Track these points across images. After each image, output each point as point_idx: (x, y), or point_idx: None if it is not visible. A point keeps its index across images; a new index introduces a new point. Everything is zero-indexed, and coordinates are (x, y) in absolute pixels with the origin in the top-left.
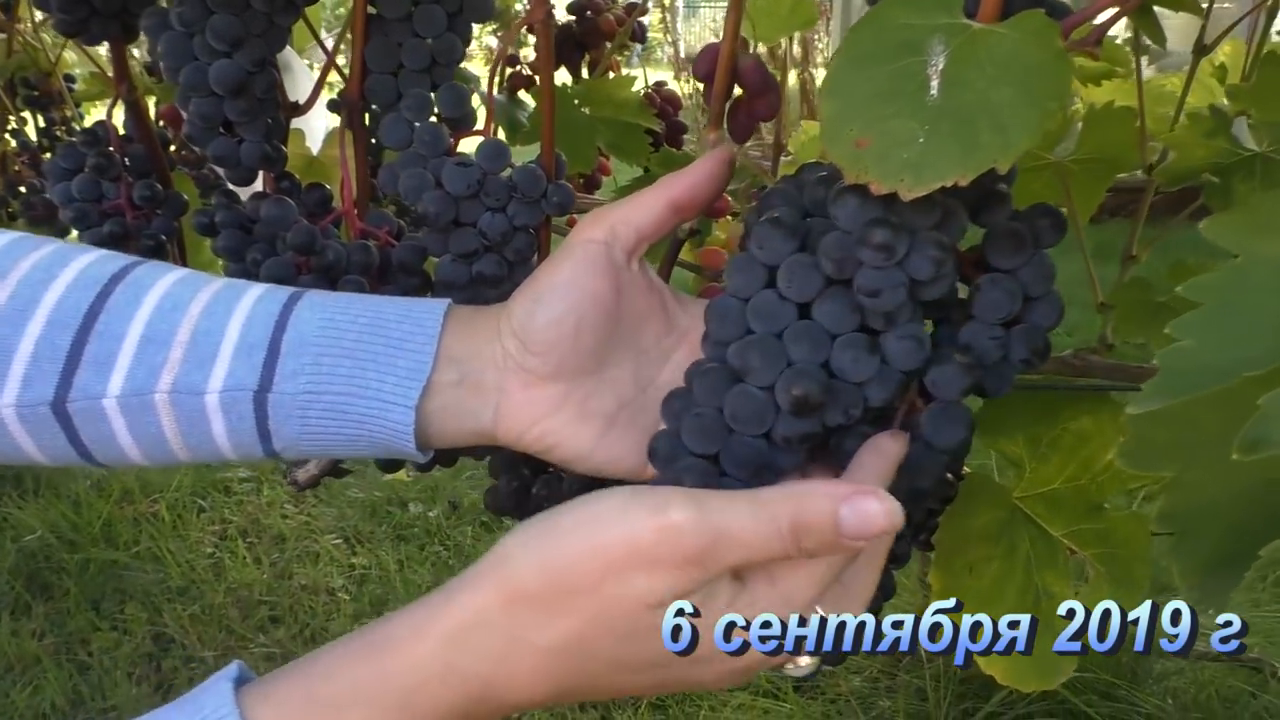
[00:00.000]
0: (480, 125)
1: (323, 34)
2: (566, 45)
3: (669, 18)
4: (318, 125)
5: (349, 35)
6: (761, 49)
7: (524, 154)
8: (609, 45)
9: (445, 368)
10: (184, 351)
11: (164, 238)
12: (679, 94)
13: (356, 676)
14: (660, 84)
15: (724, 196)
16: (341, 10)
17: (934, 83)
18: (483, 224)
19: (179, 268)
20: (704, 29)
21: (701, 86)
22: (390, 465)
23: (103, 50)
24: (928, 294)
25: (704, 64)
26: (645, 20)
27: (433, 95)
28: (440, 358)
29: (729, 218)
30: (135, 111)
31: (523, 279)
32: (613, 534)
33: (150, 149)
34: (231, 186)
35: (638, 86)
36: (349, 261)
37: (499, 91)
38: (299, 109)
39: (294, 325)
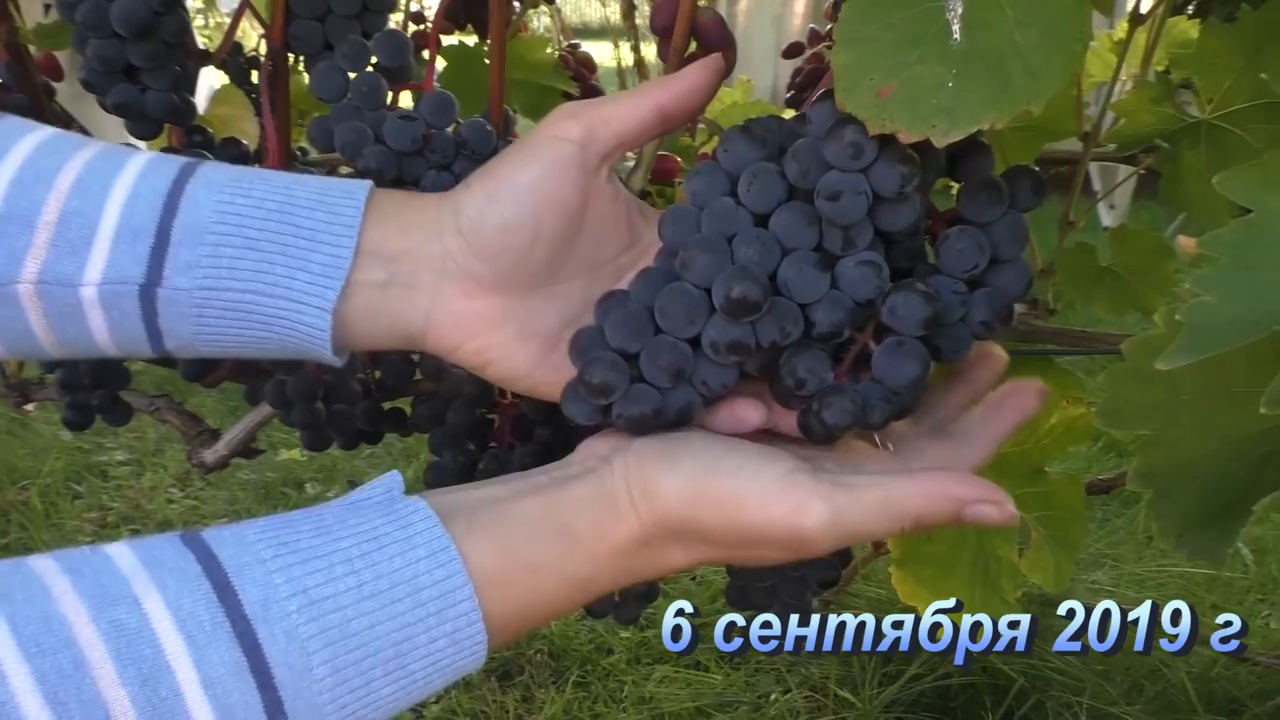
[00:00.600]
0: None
1: None
2: (475, 3)
3: None
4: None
5: None
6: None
7: None
8: (519, 4)
9: (369, 265)
10: (51, 234)
11: None
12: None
13: (549, 551)
14: (574, 46)
15: (672, 157)
16: None
17: (956, 27)
18: (427, 182)
19: (43, 127)
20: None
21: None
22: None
23: None
24: (891, 219)
25: (663, 16)
26: None
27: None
28: (362, 253)
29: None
30: (17, 56)
31: None
32: (753, 521)
33: (33, 98)
34: (134, 141)
35: (550, 49)
36: None
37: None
38: (209, 57)
39: (186, 208)
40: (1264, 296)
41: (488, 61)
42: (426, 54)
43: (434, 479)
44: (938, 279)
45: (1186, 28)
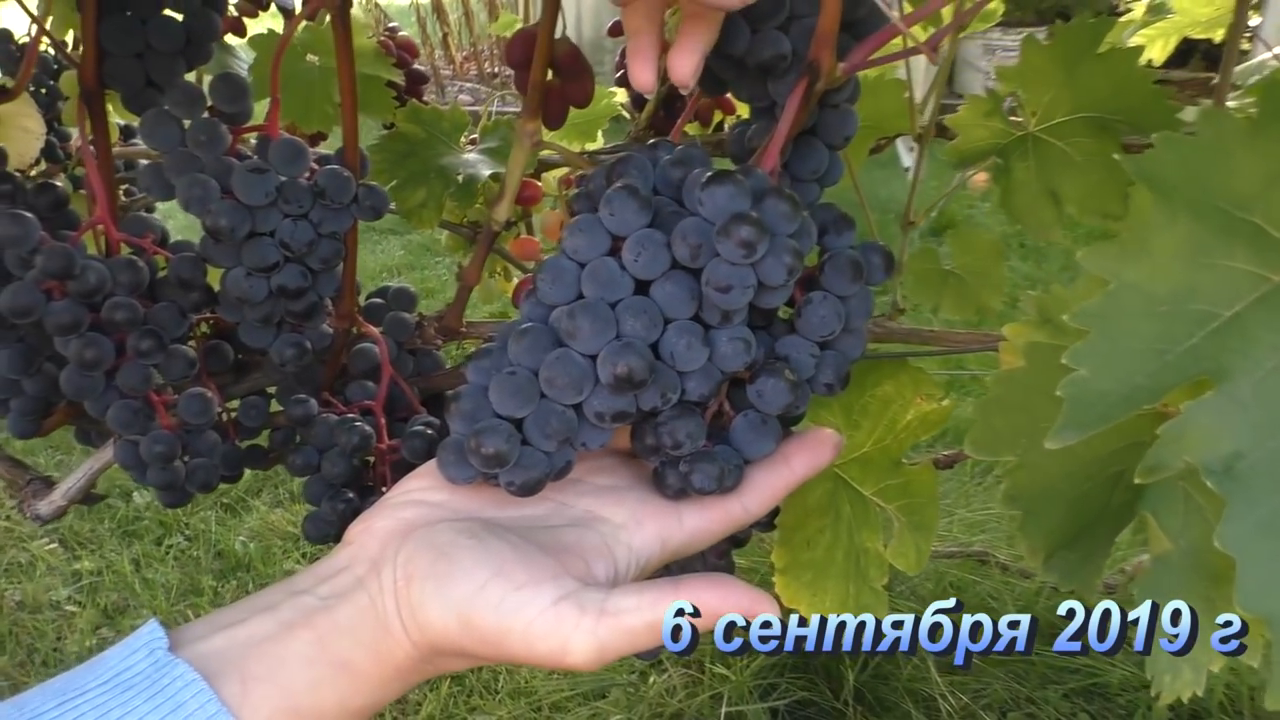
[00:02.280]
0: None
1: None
2: None
3: None
4: None
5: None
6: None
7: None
8: None
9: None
10: None
11: None
12: (410, 37)
13: (332, 693)
14: (392, 29)
15: (536, 185)
16: None
17: None
18: (283, 233)
19: None
20: None
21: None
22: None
23: None
24: (768, 301)
25: (518, 50)
26: None
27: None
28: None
29: (550, 207)
30: None
31: (327, 288)
32: (519, 654)
33: None
34: None
35: (370, 34)
36: (114, 281)
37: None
38: (6, 94)
39: None
40: (1129, 369)
41: (302, 50)
42: (231, 38)
43: (313, 530)
44: (795, 340)
45: None
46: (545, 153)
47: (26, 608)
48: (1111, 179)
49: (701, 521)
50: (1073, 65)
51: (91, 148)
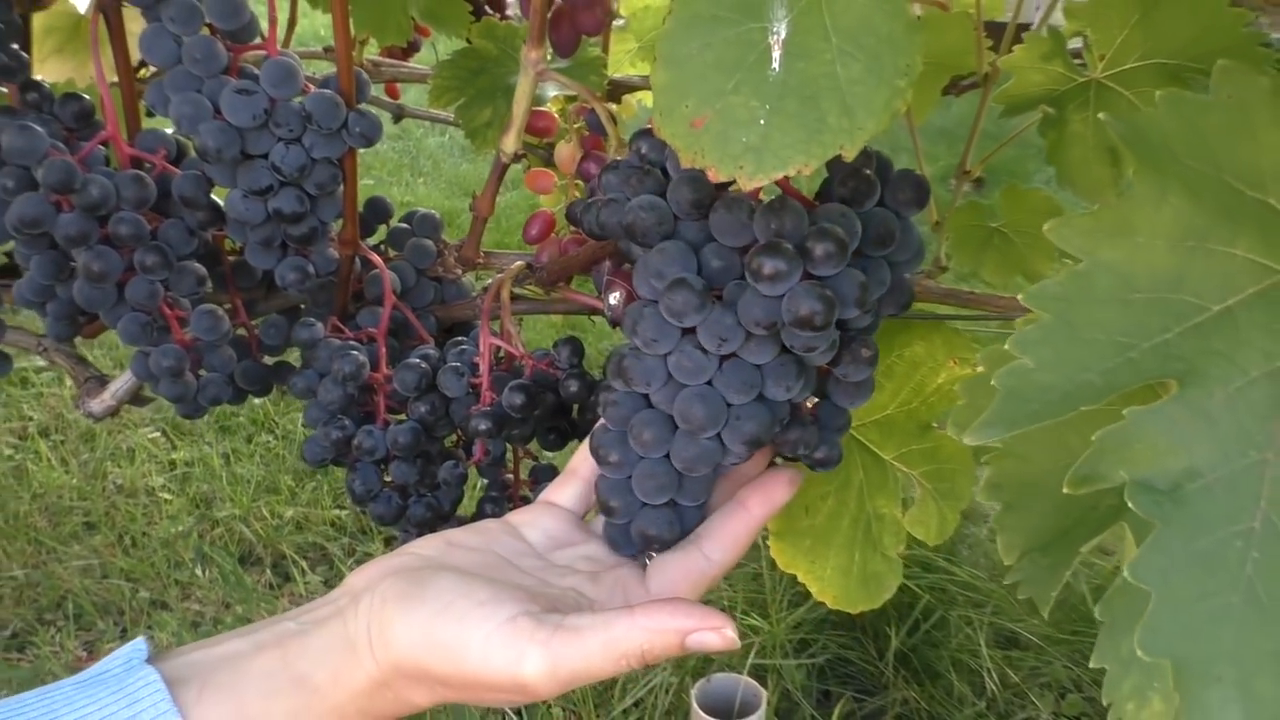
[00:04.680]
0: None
1: None
2: None
3: None
4: None
5: None
6: None
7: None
8: None
9: None
10: None
11: None
12: None
13: (285, 705)
14: None
15: (550, 116)
16: None
17: (776, 53)
18: (275, 157)
19: None
20: None
21: None
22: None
23: None
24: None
25: None
26: None
27: None
28: None
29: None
30: None
31: (328, 213)
32: (475, 667)
33: None
34: None
35: None
36: (119, 196)
37: None
38: (39, 4)
39: None
40: (1080, 363)
41: None
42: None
43: (309, 453)
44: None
45: None
46: (617, 74)
47: (124, 491)
48: None
49: (666, 583)
50: (1152, 3)
51: (106, 60)
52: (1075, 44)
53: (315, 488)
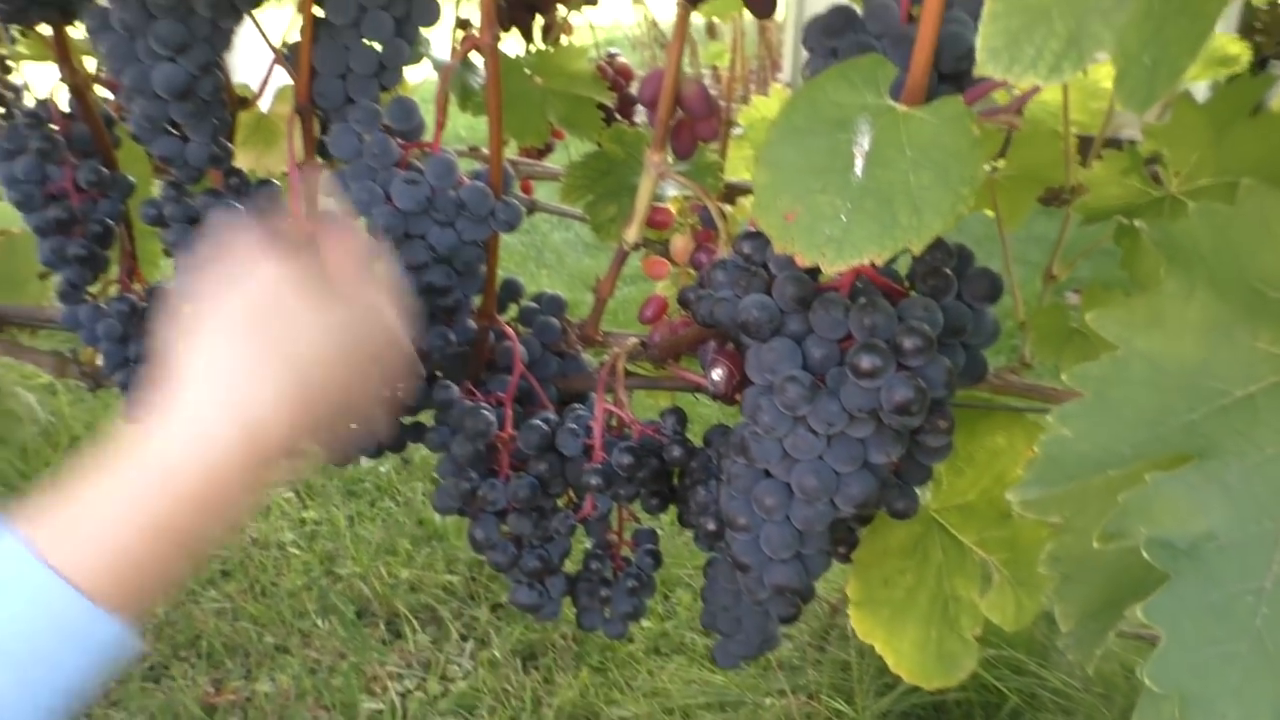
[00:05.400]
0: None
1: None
2: (518, 8)
3: None
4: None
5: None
6: (706, 73)
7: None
8: (561, 8)
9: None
10: None
11: (111, 222)
12: (628, 63)
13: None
14: (612, 56)
15: (668, 211)
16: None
17: (859, 162)
18: (431, 237)
19: None
20: None
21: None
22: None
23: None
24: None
25: (649, 90)
26: None
27: (383, 102)
28: None
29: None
30: (77, 92)
31: (470, 288)
32: None
33: (94, 129)
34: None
35: (590, 56)
36: None
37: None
38: (247, 104)
39: None
40: (1113, 435)
41: (528, 72)
42: (482, 60)
43: (439, 502)
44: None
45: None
46: (733, 178)
47: (258, 544)
48: None
49: None
50: (1225, 126)
51: (298, 148)
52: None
53: (430, 552)
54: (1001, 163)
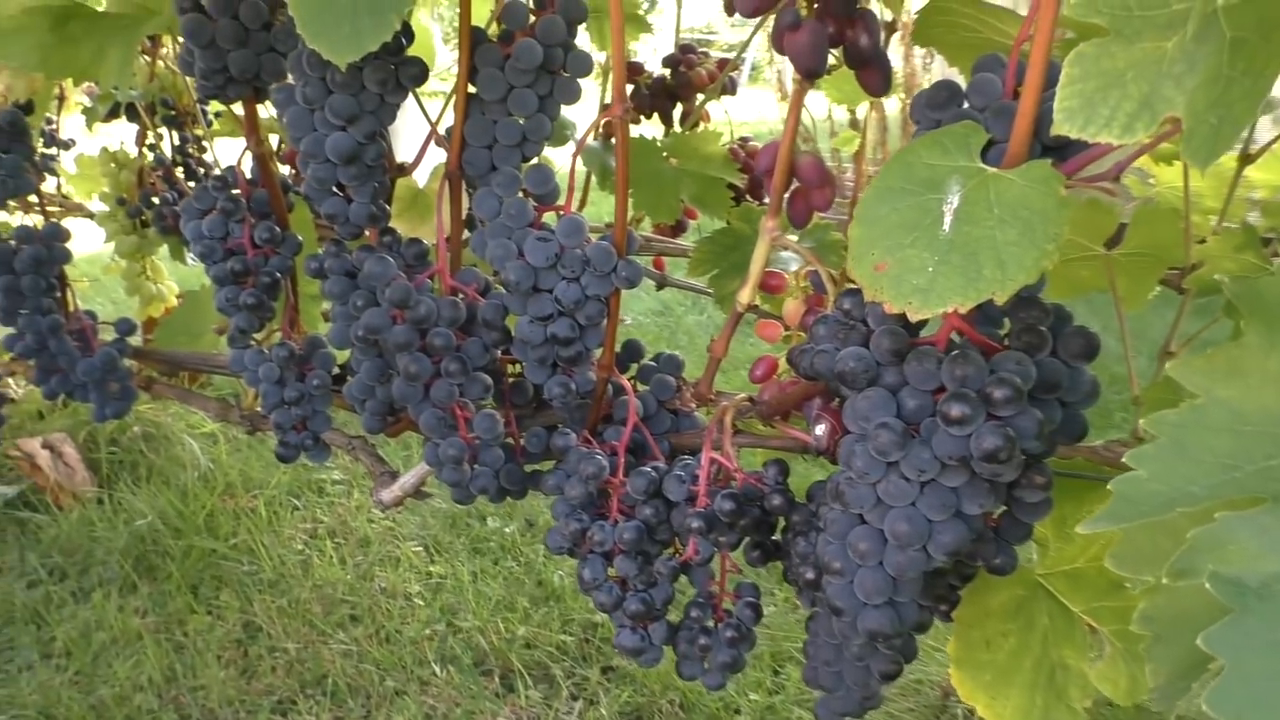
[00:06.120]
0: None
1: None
2: (660, 96)
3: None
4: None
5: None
6: (821, 147)
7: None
8: (701, 97)
9: None
10: None
11: (279, 275)
12: (760, 146)
13: None
14: (745, 140)
15: (781, 275)
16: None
17: (948, 219)
18: (558, 291)
19: None
20: None
21: None
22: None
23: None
24: None
25: (765, 159)
26: (736, 76)
27: (523, 170)
28: None
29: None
30: (261, 161)
31: (592, 341)
32: None
33: (272, 194)
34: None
35: (724, 141)
36: (439, 315)
37: (594, 138)
38: (404, 170)
39: None
40: (1186, 477)
41: (665, 153)
42: (614, 140)
43: (552, 542)
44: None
45: None
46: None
47: (386, 593)
48: None
49: None
50: None
51: (446, 214)
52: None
53: (547, 612)
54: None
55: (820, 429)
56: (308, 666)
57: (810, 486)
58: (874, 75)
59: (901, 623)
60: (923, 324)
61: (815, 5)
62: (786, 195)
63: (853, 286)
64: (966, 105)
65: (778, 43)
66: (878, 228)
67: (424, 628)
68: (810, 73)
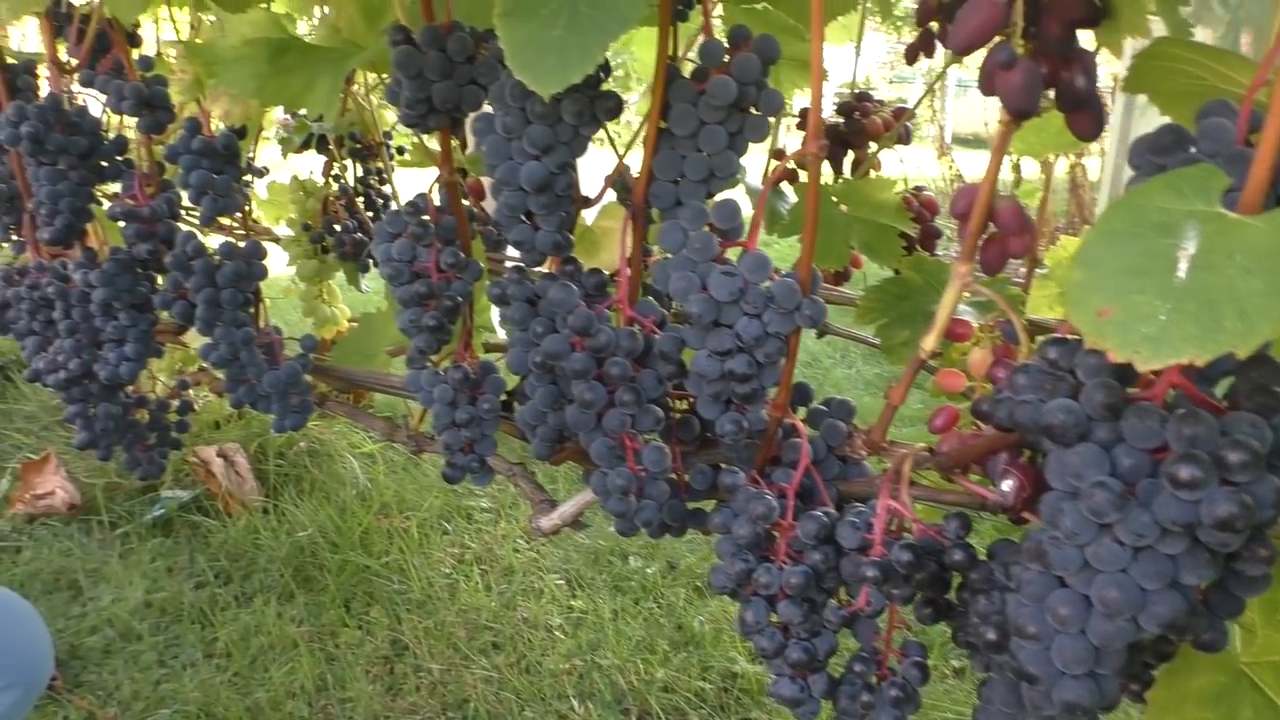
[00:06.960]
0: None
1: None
2: (832, 143)
3: (938, 97)
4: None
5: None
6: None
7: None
8: (874, 145)
9: None
10: None
11: (460, 299)
12: (934, 196)
13: None
14: (920, 188)
15: (967, 324)
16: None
17: (1182, 265)
18: (740, 327)
19: None
20: (972, 108)
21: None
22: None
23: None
24: None
25: (962, 202)
26: (910, 125)
27: (708, 205)
28: None
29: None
30: (450, 189)
31: (768, 379)
32: None
33: (459, 220)
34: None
35: (898, 189)
36: (617, 344)
37: (779, 172)
38: (589, 202)
39: None
40: None
41: (835, 199)
42: (785, 185)
43: (715, 581)
44: None
45: None
46: (1034, 315)
47: (529, 623)
48: None
49: None
50: None
51: (630, 244)
52: None
53: (686, 657)
54: None
55: (1007, 484)
56: (450, 689)
57: (993, 543)
58: (1087, 119)
59: (1102, 696)
60: (1135, 379)
61: (1031, 44)
62: (981, 241)
63: (1059, 336)
64: (1194, 150)
65: (987, 83)
66: (1101, 271)
67: (564, 661)
68: (1022, 114)
